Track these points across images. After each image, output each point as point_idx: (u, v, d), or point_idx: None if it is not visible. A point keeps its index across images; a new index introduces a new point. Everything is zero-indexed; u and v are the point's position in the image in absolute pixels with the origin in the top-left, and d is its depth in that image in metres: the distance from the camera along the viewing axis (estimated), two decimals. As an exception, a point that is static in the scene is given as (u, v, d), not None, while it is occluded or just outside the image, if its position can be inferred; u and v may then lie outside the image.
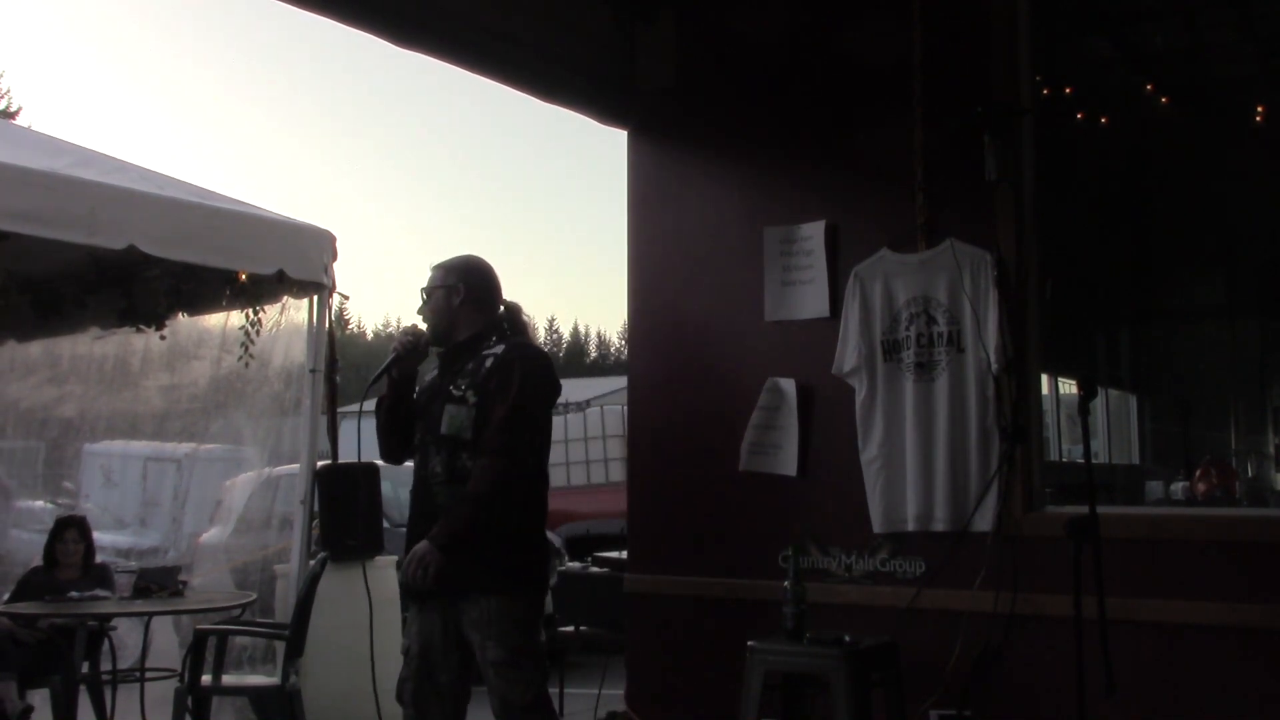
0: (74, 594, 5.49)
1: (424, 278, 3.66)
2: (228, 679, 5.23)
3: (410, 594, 3.47)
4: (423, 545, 3.35)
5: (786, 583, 3.90)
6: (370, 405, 3.80)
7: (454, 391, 3.45)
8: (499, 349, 3.51)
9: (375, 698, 4.07)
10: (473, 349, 3.52)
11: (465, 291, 3.55)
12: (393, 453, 3.66)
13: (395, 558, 6.51)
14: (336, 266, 5.78)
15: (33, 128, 12.21)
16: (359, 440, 4.62)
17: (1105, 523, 3.25)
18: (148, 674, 5.68)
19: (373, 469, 6.41)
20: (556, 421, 3.89)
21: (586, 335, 65.43)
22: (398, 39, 4.37)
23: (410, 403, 3.60)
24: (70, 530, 5.92)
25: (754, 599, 4.32)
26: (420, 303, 3.63)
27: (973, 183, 4.10)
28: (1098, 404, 7.57)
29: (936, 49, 4.26)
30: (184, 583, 5.67)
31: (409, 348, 3.55)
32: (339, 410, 6.33)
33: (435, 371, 3.61)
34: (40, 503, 7.80)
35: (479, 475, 3.35)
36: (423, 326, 3.59)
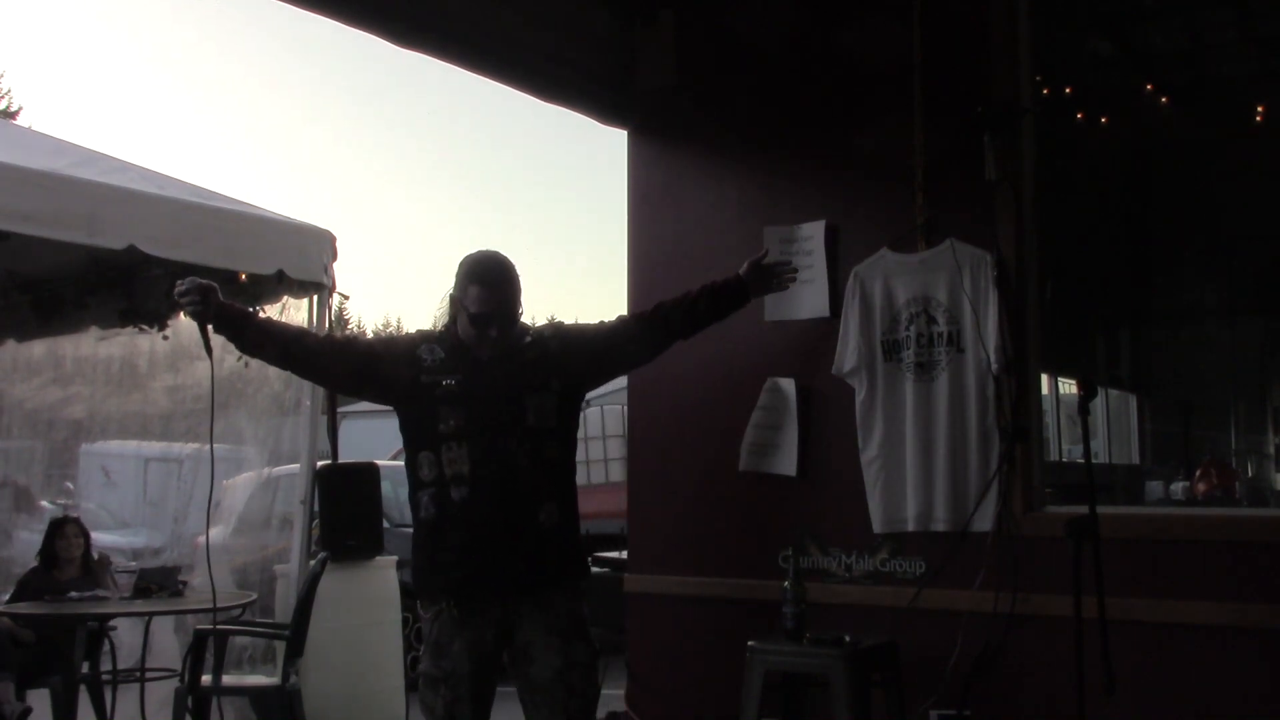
0: (74, 594, 5.50)
1: (454, 277, 3.47)
2: (228, 679, 5.24)
3: (484, 595, 3.29)
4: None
5: (786, 583, 3.90)
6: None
7: (534, 382, 3.35)
8: (542, 333, 3.50)
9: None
10: (514, 342, 3.44)
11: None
12: (290, 363, 3.52)
13: (395, 558, 6.53)
14: (336, 266, 5.79)
15: (33, 128, 12.21)
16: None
17: (1105, 523, 3.25)
18: (148, 674, 5.68)
19: (373, 469, 6.41)
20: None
21: (586, 335, 65.29)
22: (398, 39, 4.37)
23: (253, 322, 3.40)
24: (69, 525, 5.93)
25: (754, 599, 4.31)
26: (503, 315, 3.40)
27: (973, 183, 4.10)
28: (1098, 404, 7.56)
29: (936, 49, 4.26)
30: (184, 583, 5.67)
31: (201, 300, 3.27)
32: (339, 410, 6.34)
33: (456, 365, 3.39)
34: (41, 503, 7.81)
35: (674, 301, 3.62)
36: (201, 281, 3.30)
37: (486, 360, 3.39)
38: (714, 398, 4.65)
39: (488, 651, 3.30)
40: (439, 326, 3.62)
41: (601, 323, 3.61)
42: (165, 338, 6.37)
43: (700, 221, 4.81)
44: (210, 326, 3.31)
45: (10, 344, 7.13)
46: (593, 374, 3.59)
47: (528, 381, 3.37)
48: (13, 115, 24.48)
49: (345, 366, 3.52)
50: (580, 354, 3.50)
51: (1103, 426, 8.34)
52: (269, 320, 3.45)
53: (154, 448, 7.43)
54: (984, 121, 4.06)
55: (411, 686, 6.48)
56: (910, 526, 4.15)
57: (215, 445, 6.65)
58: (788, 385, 4.45)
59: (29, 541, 7.02)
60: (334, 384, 3.64)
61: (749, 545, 4.51)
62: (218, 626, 5.27)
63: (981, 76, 4.18)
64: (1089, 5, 6.12)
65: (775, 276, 3.66)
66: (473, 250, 3.48)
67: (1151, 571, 3.74)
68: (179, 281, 3.30)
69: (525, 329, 3.53)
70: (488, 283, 3.37)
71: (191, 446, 6.83)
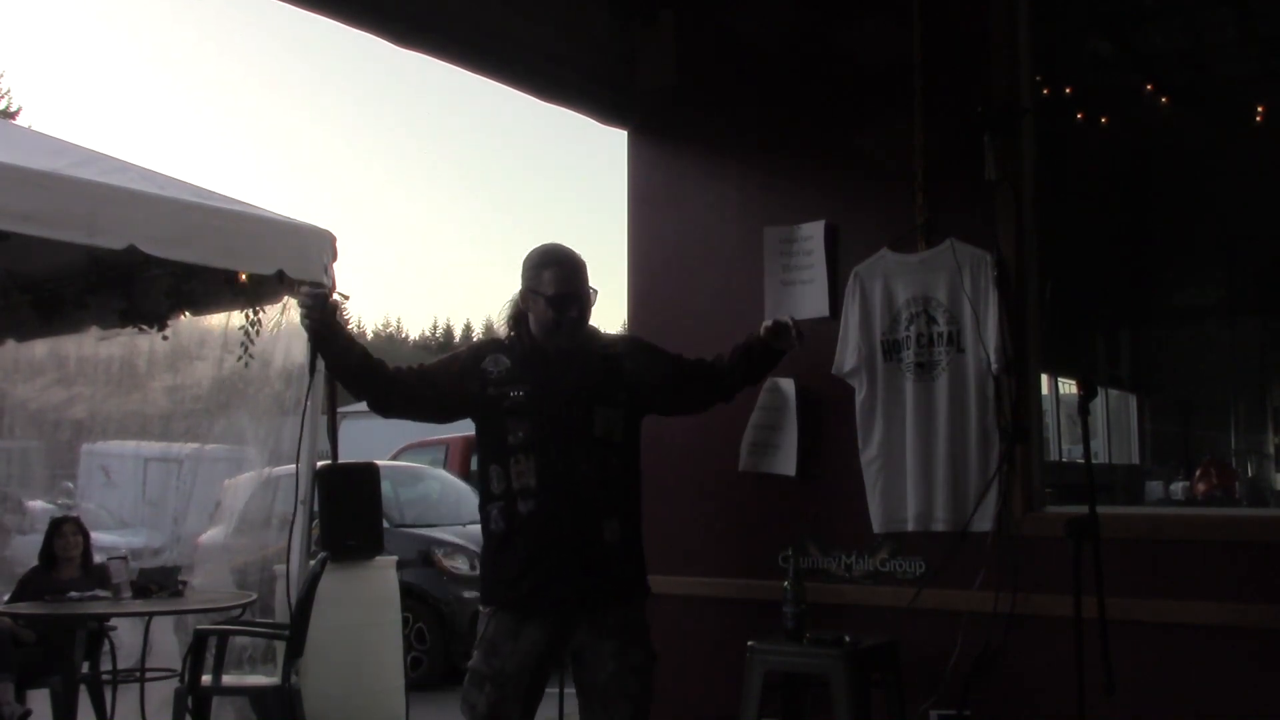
0: (74, 594, 5.50)
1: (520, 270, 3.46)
2: (228, 679, 5.24)
3: (551, 605, 3.30)
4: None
5: (786, 583, 3.90)
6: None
7: (604, 394, 3.37)
8: (617, 346, 3.52)
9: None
10: (587, 349, 3.45)
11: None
12: (390, 404, 3.48)
13: (395, 558, 6.53)
14: (336, 266, 5.79)
15: (33, 128, 12.21)
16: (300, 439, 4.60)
17: (1105, 523, 3.25)
18: (148, 674, 5.69)
19: (373, 469, 6.41)
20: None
21: (586, 335, 65.28)
22: (398, 39, 4.37)
23: (355, 345, 3.40)
24: (67, 524, 5.93)
25: (754, 599, 4.31)
26: (581, 296, 3.41)
27: (973, 183, 4.10)
28: (1098, 404, 7.56)
29: (936, 49, 4.26)
30: (184, 583, 5.68)
31: (319, 307, 3.31)
32: (339, 410, 6.34)
33: (524, 374, 3.38)
34: (40, 503, 7.82)
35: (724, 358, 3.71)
36: (336, 297, 3.42)
37: (557, 363, 3.37)
38: (714, 398, 4.64)
39: (541, 656, 3.31)
40: (503, 334, 3.55)
41: (674, 355, 3.64)
42: (165, 338, 6.38)
43: (700, 221, 4.81)
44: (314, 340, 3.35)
45: (10, 344, 7.14)
46: (658, 401, 3.59)
47: (597, 392, 3.38)
48: (13, 115, 24.49)
49: (431, 403, 3.50)
50: (651, 376, 3.52)
51: (1103, 426, 8.34)
52: (370, 357, 3.42)
53: (153, 448, 7.44)
54: (984, 121, 4.06)
55: (411, 686, 6.50)
56: (910, 526, 4.14)
57: (214, 445, 6.69)
58: (788, 385, 4.45)
59: (24, 542, 7.04)
60: (426, 419, 3.64)
61: (749, 545, 4.50)
62: (218, 626, 5.27)
63: (981, 76, 4.18)
64: (1089, 5, 6.11)
65: (789, 332, 3.71)
66: (536, 245, 3.50)
67: (1151, 571, 3.74)
68: (304, 294, 3.34)
69: (599, 335, 3.54)
70: (562, 264, 3.39)
71: (191, 446, 6.84)
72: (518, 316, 3.48)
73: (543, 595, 3.28)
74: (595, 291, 3.43)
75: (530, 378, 3.37)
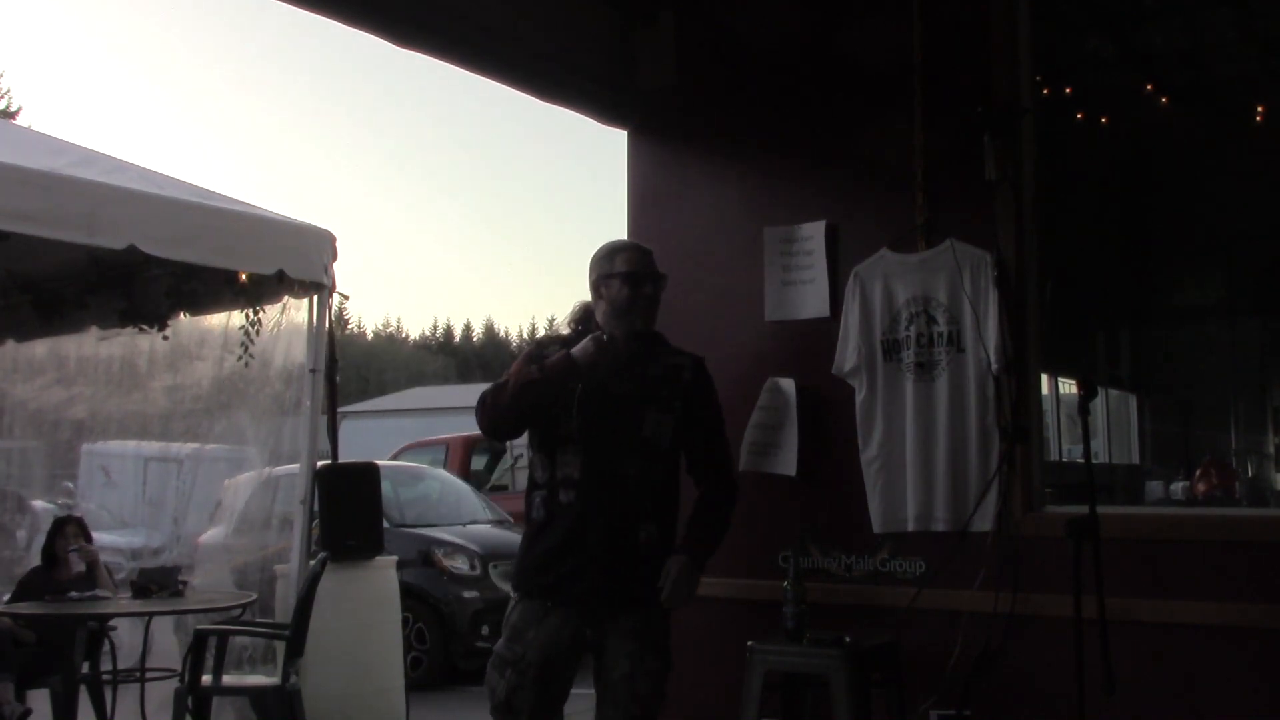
0: (74, 594, 5.50)
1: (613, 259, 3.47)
2: (228, 679, 5.24)
3: (564, 601, 3.31)
4: (686, 563, 3.34)
5: (786, 583, 3.90)
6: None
7: (658, 397, 3.38)
8: (683, 357, 3.51)
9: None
10: (652, 350, 3.46)
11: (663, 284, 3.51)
12: (511, 433, 3.55)
13: (395, 558, 6.53)
14: (336, 266, 5.79)
15: (33, 128, 12.21)
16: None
17: (1105, 523, 3.25)
18: (148, 674, 5.68)
19: (373, 469, 6.41)
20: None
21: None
22: (398, 39, 4.37)
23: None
24: (70, 525, 5.92)
25: (754, 599, 4.31)
26: (648, 284, 3.44)
27: (973, 183, 4.10)
28: (1098, 404, 7.56)
29: (936, 49, 4.26)
30: (184, 583, 5.67)
31: (596, 356, 3.29)
32: (339, 410, 6.34)
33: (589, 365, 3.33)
34: (40, 503, 7.82)
35: (727, 504, 3.52)
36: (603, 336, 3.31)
37: (617, 361, 3.34)
38: (714, 398, 4.64)
39: (563, 647, 3.33)
40: (567, 329, 3.56)
41: (720, 427, 3.60)
42: (165, 338, 6.38)
43: (700, 222, 4.81)
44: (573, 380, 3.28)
45: (10, 344, 7.14)
46: (685, 431, 3.49)
47: (652, 393, 3.39)
48: (13, 115, 24.50)
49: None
50: (697, 404, 3.48)
51: (1103, 426, 8.33)
52: None
53: (153, 448, 7.45)
54: (984, 121, 4.06)
55: (411, 686, 6.50)
56: (910, 526, 4.15)
57: (215, 445, 6.69)
58: (788, 385, 4.45)
59: (22, 541, 7.04)
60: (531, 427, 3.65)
61: (749, 545, 4.50)
62: (218, 626, 5.27)
63: (981, 76, 4.18)
64: (1089, 5, 6.11)
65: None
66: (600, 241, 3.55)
67: (1151, 571, 3.74)
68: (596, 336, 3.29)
69: (668, 343, 3.56)
70: (635, 249, 3.52)
71: (191, 446, 6.84)
72: (584, 315, 3.53)
73: (569, 586, 3.30)
74: (665, 276, 3.52)
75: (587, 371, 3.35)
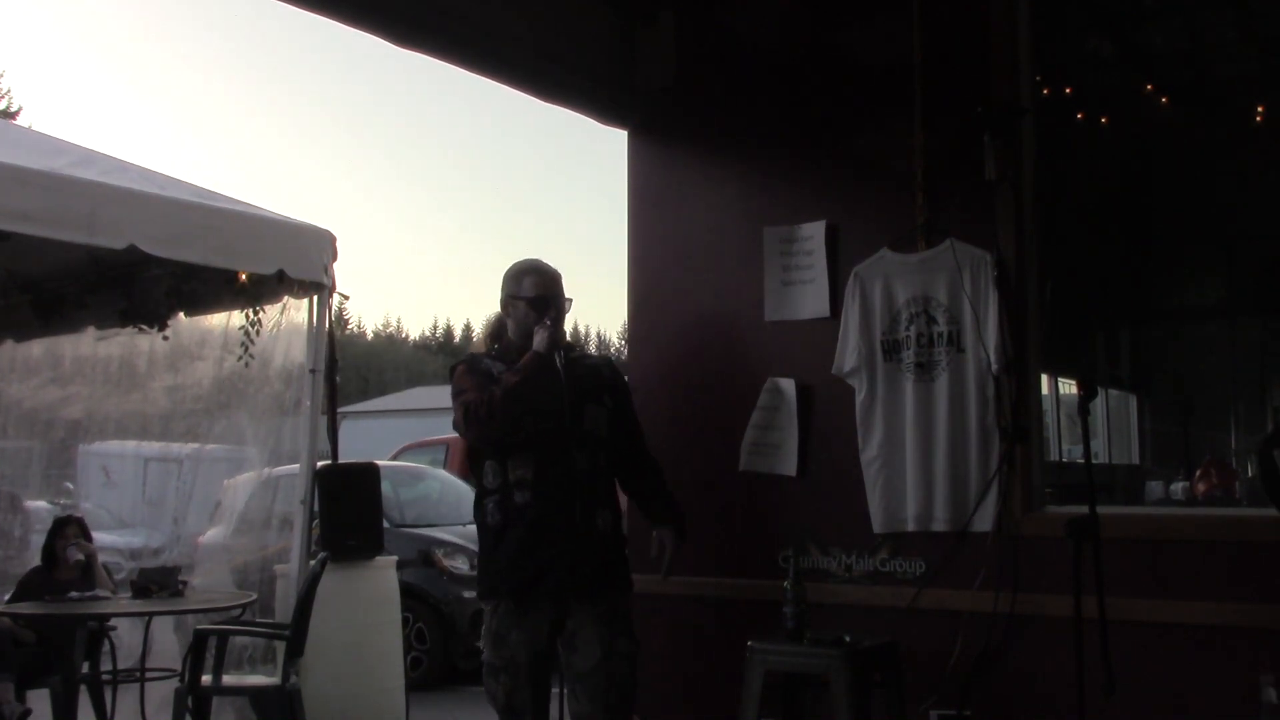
0: (74, 594, 5.50)
1: (505, 284, 3.76)
2: (228, 679, 5.24)
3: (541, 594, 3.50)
4: (674, 535, 3.75)
5: (786, 583, 3.90)
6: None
7: (589, 391, 3.63)
8: (596, 358, 3.88)
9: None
10: (568, 355, 3.67)
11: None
12: (505, 439, 3.60)
13: (395, 558, 6.52)
14: (336, 266, 5.78)
15: (33, 128, 12.21)
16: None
17: (1105, 523, 3.25)
18: (148, 674, 5.68)
19: (373, 469, 6.41)
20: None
21: (586, 335, 65.44)
22: (398, 39, 4.37)
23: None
24: (70, 527, 5.92)
25: (754, 599, 4.31)
26: (558, 299, 3.68)
27: (973, 183, 4.10)
28: (1098, 404, 7.55)
29: (936, 49, 4.26)
30: (184, 583, 5.67)
31: (553, 336, 3.58)
32: (339, 410, 6.33)
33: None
34: (40, 503, 7.81)
35: (663, 478, 3.90)
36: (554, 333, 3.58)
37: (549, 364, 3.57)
38: (714, 398, 4.65)
39: (543, 642, 3.51)
40: (484, 348, 3.83)
41: (633, 411, 3.96)
42: (165, 338, 6.37)
43: (700, 221, 4.81)
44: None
45: (9, 344, 7.13)
46: (617, 422, 3.80)
47: (584, 390, 3.62)
48: (13, 115, 24.50)
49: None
50: (621, 397, 3.84)
51: (1103, 426, 8.34)
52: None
53: (153, 448, 7.44)
54: (984, 121, 4.06)
55: (411, 686, 6.50)
56: (910, 526, 4.15)
57: (215, 445, 6.68)
58: (788, 385, 4.45)
59: (21, 541, 7.03)
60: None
61: (749, 545, 4.50)
62: (218, 626, 5.27)
63: (981, 76, 4.18)
64: (1089, 5, 6.11)
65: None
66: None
67: (1151, 571, 3.74)
68: (548, 321, 3.59)
69: (576, 347, 3.84)
70: (541, 272, 3.71)
71: (191, 446, 6.83)
72: (496, 332, 3.78)
73: (541, 581, 3.45)
74: (570, 301, 3.70)
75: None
